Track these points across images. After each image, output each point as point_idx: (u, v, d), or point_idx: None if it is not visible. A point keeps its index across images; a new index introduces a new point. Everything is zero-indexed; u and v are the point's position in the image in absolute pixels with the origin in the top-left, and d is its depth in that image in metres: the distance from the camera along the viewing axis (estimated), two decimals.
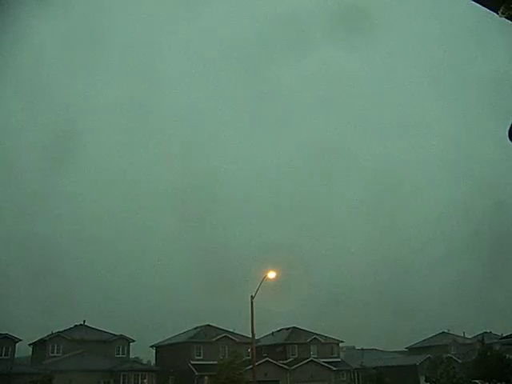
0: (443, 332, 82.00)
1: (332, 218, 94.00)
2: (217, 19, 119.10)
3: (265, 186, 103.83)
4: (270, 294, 36.82)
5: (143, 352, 77.39)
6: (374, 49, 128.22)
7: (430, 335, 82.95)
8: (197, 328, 68.56)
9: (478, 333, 74.61)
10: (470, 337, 79.10)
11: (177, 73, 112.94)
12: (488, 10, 4.64)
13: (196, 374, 61.72)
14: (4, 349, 56.00)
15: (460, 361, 67.91)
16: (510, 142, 3.63)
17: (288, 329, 73.03)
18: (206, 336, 65.83)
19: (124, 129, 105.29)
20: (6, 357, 54.95)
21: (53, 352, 60.95)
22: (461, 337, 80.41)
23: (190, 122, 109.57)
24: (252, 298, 36.02)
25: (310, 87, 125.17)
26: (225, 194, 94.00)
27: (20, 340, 58.56)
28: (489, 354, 59.74)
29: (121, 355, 64.26)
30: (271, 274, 36.44)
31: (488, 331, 72.12)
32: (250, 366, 44.29)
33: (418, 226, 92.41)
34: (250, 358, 50.00)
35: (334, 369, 68.09)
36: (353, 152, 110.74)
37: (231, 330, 67.05)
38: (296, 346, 69.83)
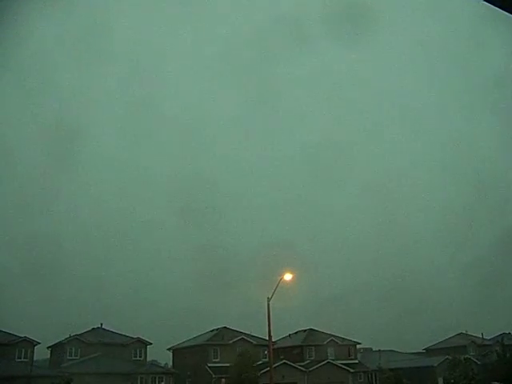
0: (461, 333, 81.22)
1: (333, 216, 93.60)
2: (217, 19, 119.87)
3: (265, 184, 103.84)
4: (281, 293, 36.61)
5: (160, 355, 77.74)
6: (375, 48, 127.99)
7: (448, 336, 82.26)
8: (213, 330, 68.70)
9: (497, 334, 73.90)
10: (488, 338, 78.26)
11: (178, 71, 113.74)
12: (486, 4, 4.57)
13: (213, 376, 61.81)
14: (23, 351, 56.51)
15: (479, 362, 67.20)
16: None
17: (305, 331, 72.82)
18: (223, 338, 65.92)
19: (126, 127, 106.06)
20: (26, 359, 55.42)
21: (71, 355, 61.36)
22: (479, 338, 79.52)
23: (191, 120, 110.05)
24: (268, 300, 35.97)
25: (310, 86, 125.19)
26: (225, 192, 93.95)
27: (39, 343, 59.06)
28: (508, 355, 59.08)
29: (138, 358, 64.50)
30: (287, 276, 36.29)
31: (507, 332, 71.31)
32: (267, 369, 44.31)
33: (419, 223, 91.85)
34: (267, 360, 50.01)
35: (352, 370, 67.79)
36: (353, 150, 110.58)
37: (248, 333, 67.07)
38: (313, 347, 69.60)
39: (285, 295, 39.07)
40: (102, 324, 66.95)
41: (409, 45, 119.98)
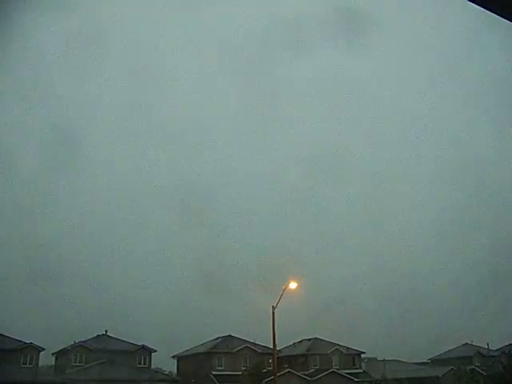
0: (466, 343, 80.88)
1: (333, 220, 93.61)
2: (218, 20, 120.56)
3: (265, 187, 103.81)
4: (283, 301, 36.68)
5: (165, 362, 77.62)
6: (374, 50, 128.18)
7: (453, 346, 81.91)
8: (218, 338, 68.71)
9: (503, 344, 73.48)
10: (494, 349, 77.86)
11: (178, 73, 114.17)
12: (485, 11, 4.72)
13: None
14: (29, 357, 56.72)
15: (484, 373, 66.90)
16: None
17: (309, 339, 72.76)
18: (228, 346, 65.97)
19: (124, 129, 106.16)
20: (31, 365, 55.65)
21: (75, 362, 61.45)
22: (485, 348, 79.17)
23: (191, 122, 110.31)
24: (273, 308, 36.11)
25: (310, 88, 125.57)
26: (224, 196, 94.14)
27: (43, 349, 59.23)
28: None
29: (142, 365, 64.53)
30: (292, 285, 36.44)
31: None
32: (272, 377, 44.32)
33: (421, 227, 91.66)
34: (271, 368, 50.02)
35: (356, 380, 67.63)
36: (352, 154, 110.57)
37: (252, 341, 67.08)
38: (318, 356, 69.51)
39: (287, 303, 39.15)
40: (106, 331, 67.09)
41: (408, 48, 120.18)
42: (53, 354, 65.70)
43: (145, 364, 65.08)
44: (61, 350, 64.00)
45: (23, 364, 55.76)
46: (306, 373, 66.35)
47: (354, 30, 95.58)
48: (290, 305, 42.90)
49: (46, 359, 65.11)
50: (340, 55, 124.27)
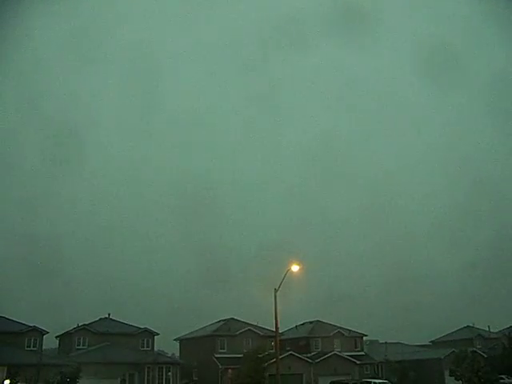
0: (468, 326, 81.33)
1: (334, 215, 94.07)
2: (218, 18, 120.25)
3: (265, 184, 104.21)
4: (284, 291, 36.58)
5: (167, 345, 78.20)
6: (374, 47, 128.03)
7: (455, 329, 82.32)
8: (220, 321, 69.03)
9: (504, 327, 73.88)
10: (495, 331, 78.30)
11: (179, 71, 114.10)
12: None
13: (220, 366, 62.19)
14: (33, 340, 57.04)
15: (485, 355, 67.25)
16: None
17: (311, 322, 73.12)
18: (230, 329, 66.20)
19: (125, 129, 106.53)
20: (35, 348, 55.94)
21: (79, 344, 61.80)
22: (486, 331, 79.59)
23: (193, 121, 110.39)
24: (275, 291, 36.09)
25: (311, 85, 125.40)
26: (225, 192, 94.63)
27: (47, 332, 59.52)
28: None
29: (145, 348, 64.82)
30: (295, 268, 36.31)
31: None
32: (274, 360, 44.52)
33: (421, 220, 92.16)
34: (273, 351, 50.26)
35: (358, 362, 67.95)
36: (352, 150, 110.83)
37: (255, 324, 67.35)
38: (320, 339, 69.80)
39: (288, 291, 39.11)
40: (109, 314, 67.51)
41: (408, 45, 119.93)
42: (56, 337, 66.17)
43: (147, 347, 65.36)
44: (64, 333, 64.37)
45: (27, 347, 56.05)
46: (308, 355, 66.69)
47: (355, 27, 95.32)
48: (292, 290, 43.09)
49: (49, 342, 65.68)
50: (341, 52, 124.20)
